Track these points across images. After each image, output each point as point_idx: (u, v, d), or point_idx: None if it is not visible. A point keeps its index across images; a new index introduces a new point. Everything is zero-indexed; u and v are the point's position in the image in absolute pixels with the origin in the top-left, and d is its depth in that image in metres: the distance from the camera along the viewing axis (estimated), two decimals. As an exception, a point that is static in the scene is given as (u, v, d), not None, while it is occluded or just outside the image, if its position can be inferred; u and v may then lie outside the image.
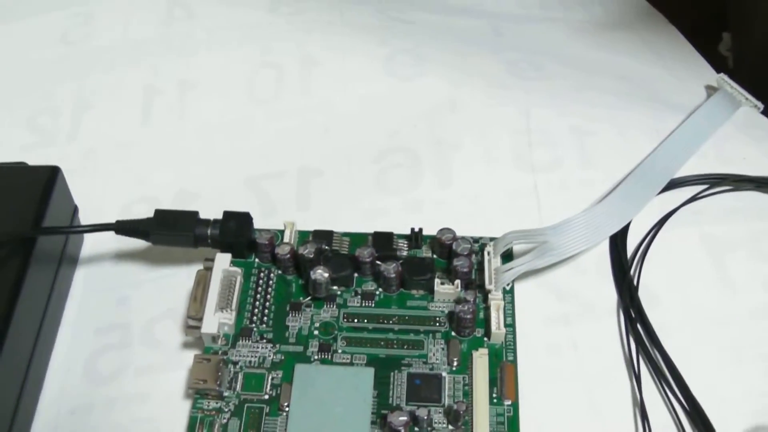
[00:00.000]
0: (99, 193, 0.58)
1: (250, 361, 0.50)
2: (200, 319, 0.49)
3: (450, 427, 0.48)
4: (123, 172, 0.60)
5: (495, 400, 0.48)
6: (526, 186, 0.59)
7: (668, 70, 0.65)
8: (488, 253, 0.53)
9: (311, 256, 0.52)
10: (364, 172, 0.59)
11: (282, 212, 0.56)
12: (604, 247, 0.56)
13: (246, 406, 0.48)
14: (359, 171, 0.59)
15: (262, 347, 0.51)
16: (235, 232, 0.52)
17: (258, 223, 0.53)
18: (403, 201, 0.58)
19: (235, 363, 0.50)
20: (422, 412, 0.49)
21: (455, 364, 0.49)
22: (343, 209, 0.57)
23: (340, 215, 0.57)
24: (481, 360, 0.49)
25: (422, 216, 0.55)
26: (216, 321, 0.49)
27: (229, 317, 0.50)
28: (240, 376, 0.49)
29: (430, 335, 0.51)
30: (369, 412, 0.47)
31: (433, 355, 0.50)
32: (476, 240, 0.53)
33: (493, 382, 0.48)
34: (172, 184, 0.58)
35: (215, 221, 0.52)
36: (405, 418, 0.49)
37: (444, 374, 0.49)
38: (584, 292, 0.54)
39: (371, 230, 0.53)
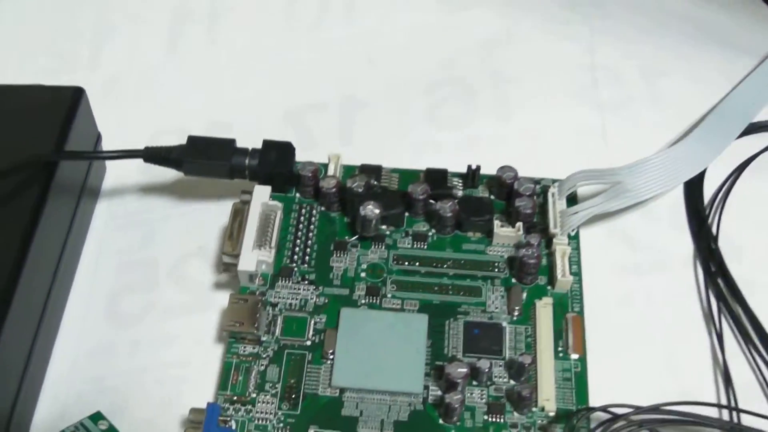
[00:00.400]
0: (123, 123, 0.54)
1: (290, 304, 0.46)
2: (237, 256, 0.46)
3: (512, 381, 0.44)
4: (149, 101, 0.56)
5: (560, 354, 0.45)
6: (592, 125, 0.55)
7: (739, 13, 0.61)
8: (552, 195, 0.49)
9: (360, 190, 0.48)
10: (413, 104, 0.56)
11: (323, 146, 0.52)
12: (678, 193, 0.53)
13: (286, 352, 0.45)
14: (408, 104, 0.56)
15: (304, 289, 0.47)
16: (275, 163, 0.48)
17: (297, 158, 0.49)
18: (456, 137, 0.55)
19: (274, 305, 0.46)
20: (484, 364, 0.45)
21: (516, 313, 0.46)
22: (391, 144, 0.54)
23: (387, 151, 0.53)
24: (545, 310, 0.46)
25: (477, 154, 0.51)
26: (254, 258, 0.45)
27: (267, 255, 0.46)
28: (279, 320, 0.45)
29: (489, 282, 0.47)
30: (423, 362, 0.44)
31: (492, 303, 0.47)
32: (537, 181, 0.49)
33: (557, 335, 0.45)
34: (203, 114, 0.54)
35: (254, 151, 0.48)
36: (465, 370, 0.44)
37: (504, 324, 0.45)
38: (657, 241, 0.51)
39: (422, 167, 0.49)
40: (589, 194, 0.49)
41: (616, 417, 0.40)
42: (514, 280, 0.47)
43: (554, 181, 0.49)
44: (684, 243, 0.51)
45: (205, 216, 0.51)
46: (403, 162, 0.50)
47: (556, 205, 0.48)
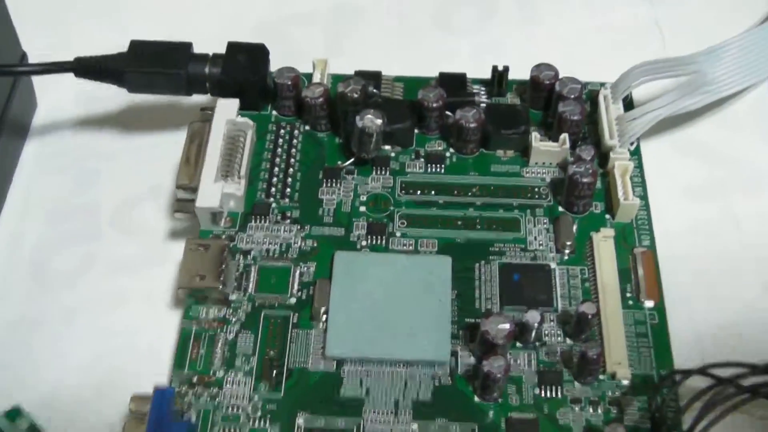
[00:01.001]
0: (53, 40, 0.47)
1: (267, 250, 0.39)
2: (194, 189, 0.38)
3: (569, 340, 0.36)
4: (85, 13, 0.49)
5: (630, 303, 0.37)
6: (644, 21, 0.49)
7: None
8: (605, 98, 0.42)
9: (356, 95, 0.40)
10: (418, 8, 0.50)
11: (308, 59, 0.44)
12: (763, 95, 0.45)
13: (263, 314, 0.37)
14: (412, 8, 0.50)
15: (285, 230, 0.39)
16: (244, 71, 0.41)
17: (273, 67, 0.43)
18: (473, 42, 0.48)
19: (245, 253, 0.39)
20: (532, 317, 0.35)
21: (568, 251, 0.38)
22: (392, 54, 0.47)
23: (388, 60, 0.45)
24: (605, 244, 0.38)
25: (501, 61, 0.43)
26: (217, 191, 0.38)
27: (236, 187, 0.39)
28: (253, 271, 0.38)
29: (528, 211, 0.40)
30: (448, 320, 0.36)
31: (535, 238, 0.39)
32: (583, 85, 0.42)
33: (624, 277, 0.37)
34: (154, 30, 0.44)
35: (216, 56, 0.42)
36: (507, 327, 0.34)
37: (553, 265, 0.38)
38: (741, 153, 0.43)
39: (433, 75, 0.43)
40: (650, 97, 0.42)
41: (721, 382, 0.32)
42: (561, 209, 0.40)
43: (602, 84, 0.43)
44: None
45: (157, 150, 0.44)
46: (410, 72, 0.44)
47: (611, 110, 0.41)
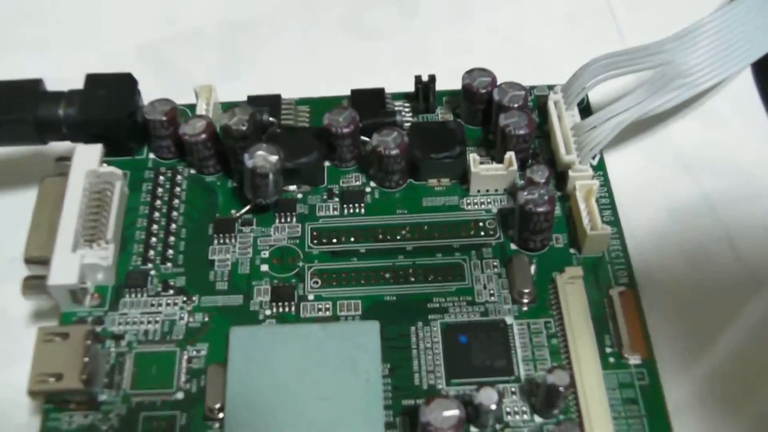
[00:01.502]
0: None
1: (146, 332, 0.33)
2: (46, 262, 0.33)
3: (537, 418, 0.30)
4: None
5: (611, 360, 0.31)
6: (595, 6, 0.44)
7: None
8: (555, 104, 0.37)
9: (243, 128, 0.35)
10: (323, 15, 0.45)
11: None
12: (746, 85, 0.40)
13: (142, 416, 0.31)
14: (315, 15, 0.45)
15: (168, 304, 0.34)
16: (108, 107, 0.36)
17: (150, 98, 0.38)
18: (391, 48, 0.43)
19: (118, 337, 0.33)
20: (488, 396, 0.28)
21: (527, 300, 0.33)
22: (296, 70, 0.42)
23: (292, 79, 0.41)
24: (573, 288, 0.32)
25: (427, 69, 0.38)
26: (75, 263, 0.33)
27: (103, 255, 0.33)
28: (128, 361, 0.32)
29: (473, 253, 0.34)
30: (379, 404, 0.30)
31: (484, 287, 0.33)
32: (527, 90, 0.37)
33: (602, 327, 0.32)
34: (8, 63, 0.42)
35: (72, 93, 0.36)
36: (456, 413, 0.28)
37: (509, 320, 0.32)
38: (730, 156, 0.38)
39: (345, 93, 0.39)
40: (610, 98, 0.37)
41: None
42: (514, 246, 0.34)
43: (551, 87, 0.38)
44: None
45: (10, 214, 0.37)
46: (318, 91, 0.39)
47: (564, 118, 0.36)
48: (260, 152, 0.34)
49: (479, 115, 0.37)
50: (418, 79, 0.37)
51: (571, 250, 0.34)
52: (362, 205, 0.36)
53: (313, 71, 0.43)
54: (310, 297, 0.33)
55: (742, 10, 0.36)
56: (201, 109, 0.37)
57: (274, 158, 0.33)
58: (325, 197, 0.36)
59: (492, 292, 0.33)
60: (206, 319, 0.33)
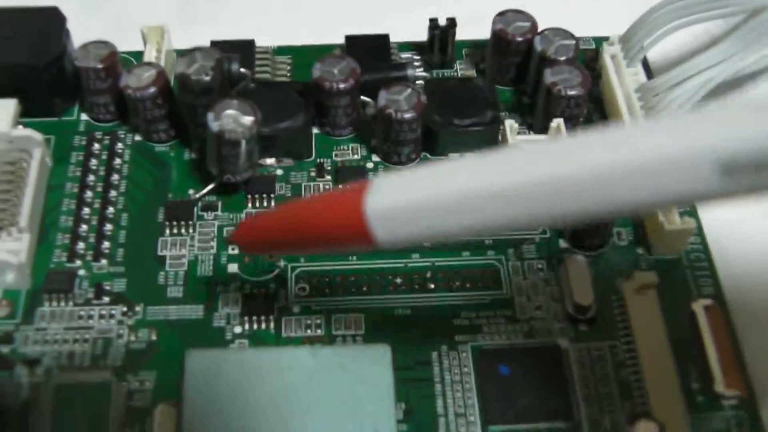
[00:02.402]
0: None
1: (71, 354, 0.27)
2: None
3: None
4: None
5: (699, 399, 0.25)
6: None
7: None
8: (613, 59, 0.31)
9: (206, 78, 0.29)
10: None
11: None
12: None
13: None
14: None
15: (103, 316, 0.28)
16: (24, 51, 0.31)
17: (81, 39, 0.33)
18: None
19: (32, 363, 0.27)
20: None
21: (589, 312, 0.27)
22: (273, 12, 0.38)
23: (267, 25, 0.36)
24: (644, 301, 0.27)
25: (444, 13, 0.34)
26: None
27: (14, 247, 0.28)
28: (46, 396, 0.26)
29: (510, 252, 0.29)
30: None
31: (528, 298, 0.28)
32: (575, 39, 0.32)
33: (682, 353, 0.26)
34: None
35: None
36: None
37: (563, 344, 0.27)
38: None
39: (338, 41, 0.34)
40: (683, 54, 0.33)
41: None
42: (565, 244, 0.29)
43: (604, 39, 0.33)
44: None
45: None
46: (302, 38, 0.36)
47: (626, 77, 0.31)
48: (229, 111, 0.28)
49: (512, 71, 0.32)
50: (433, 23, 0.32)
51: (639, 250, 0.29)
52: (364, 185, 0.29)
53: (295, 12, 0.38)
54: (296, 309, 0.28)
55: None
56: (150, 56, 0.32)
57: (247, 120, 0.28)
58: (313, 174, 0.31)
59: (538, 305, 0.28)
60: (153, 337, 0.28)
